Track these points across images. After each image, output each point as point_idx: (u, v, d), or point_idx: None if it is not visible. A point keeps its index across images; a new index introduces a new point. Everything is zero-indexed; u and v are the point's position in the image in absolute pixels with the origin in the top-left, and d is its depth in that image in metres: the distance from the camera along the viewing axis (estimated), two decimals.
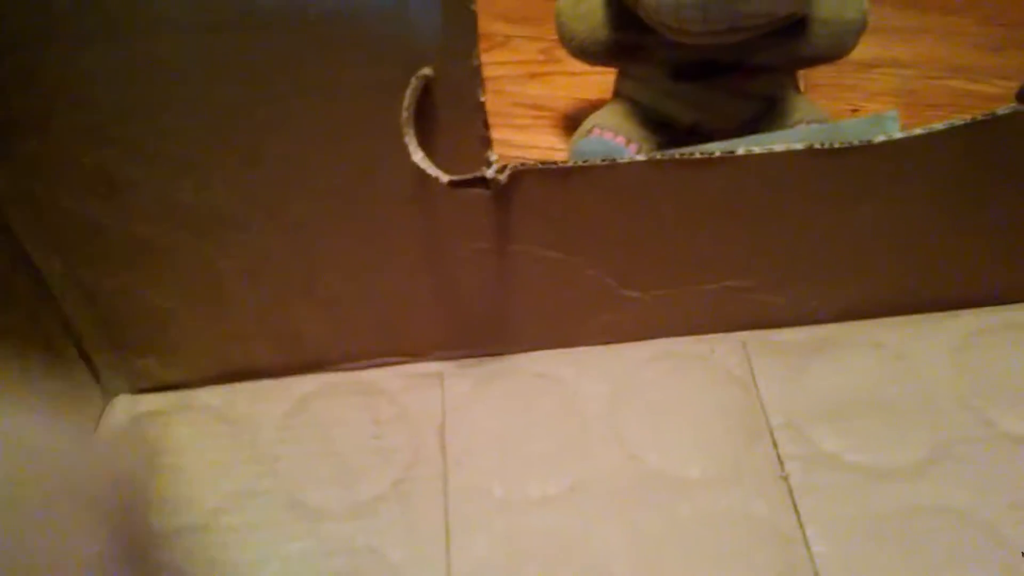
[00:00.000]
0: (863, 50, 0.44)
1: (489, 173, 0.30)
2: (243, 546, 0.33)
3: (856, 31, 0.42)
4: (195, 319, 0.36)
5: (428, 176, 0.30)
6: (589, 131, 0.45)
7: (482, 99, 0.30)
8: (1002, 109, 0.31)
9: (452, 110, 0.30)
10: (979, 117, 0.31)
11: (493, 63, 0.59)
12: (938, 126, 0.31)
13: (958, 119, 0.31)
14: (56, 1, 0.26)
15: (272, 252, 0.34)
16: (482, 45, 0.65)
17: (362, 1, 0.27)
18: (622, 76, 0.47)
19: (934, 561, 0.31)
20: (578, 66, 0.56)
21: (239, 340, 0.37)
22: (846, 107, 0.52)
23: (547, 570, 0.32)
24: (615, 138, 0.44)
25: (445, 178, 0.30)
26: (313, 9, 0.27)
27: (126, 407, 0.38)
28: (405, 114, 0.29)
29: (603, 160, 0.32)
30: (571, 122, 0.54)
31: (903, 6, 0.58)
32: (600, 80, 0.54)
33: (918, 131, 0.31)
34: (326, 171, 0.31)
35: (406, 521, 0.34)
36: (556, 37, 0.46)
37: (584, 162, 0.32)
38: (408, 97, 0.29)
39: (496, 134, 0.48)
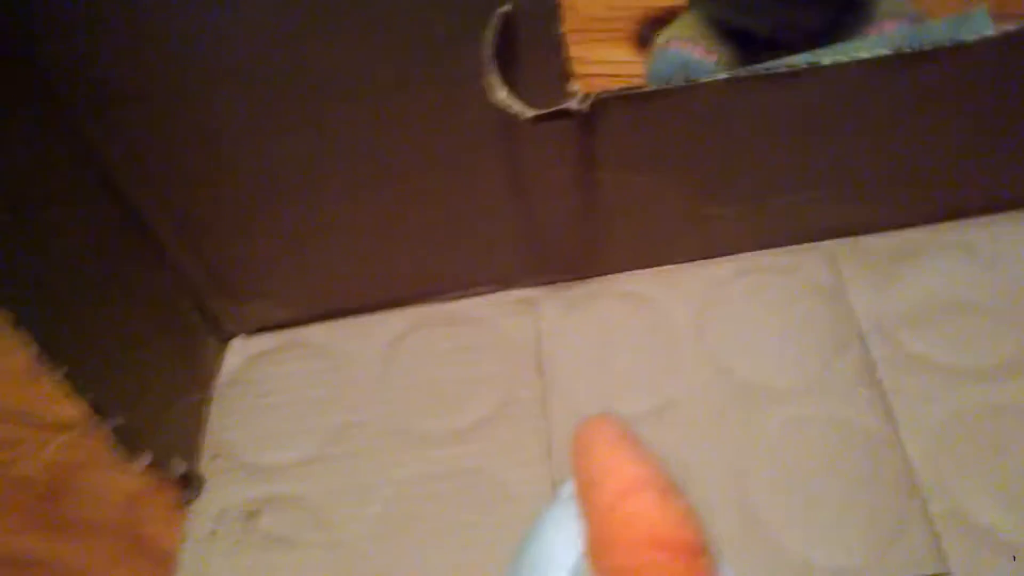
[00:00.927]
0: None
1: (572, 105, 0.31)
2: (353, 472, 0.36)
3: None
4: (297, 263, 0.38)
5: (510, 110, 0.30)
6: (666, 44, 0.44)
7: (561, 32, 0.30)
8: None
9: (532, 44, 0.30)
10: None
11: None
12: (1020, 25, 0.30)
13: None
14: None
15: (363, 193, 0.35)
16: None
17: None
18: None
19: (1021, 464, 0.32)
20: None
21: (339, 279, 0.39)
22: None
23: None
24: (693, 49, 0.43)
25: (529, 113, 0.30)
26: None
27: (241, 349, 0.41)
28: (488, 51, 0.29)
29: (683, 80, 0.32)
30: (647, 34, 0.53)
31: None
32: None
33: (1010, 27, 0.30)
34: (413, 111, 0.32)
35: (510, 442, 0.35)
36: None
37: (664, 85, 0.32)
38: (489, 34, 0.29)
39: (572, 51, 0.48)
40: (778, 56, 0.39)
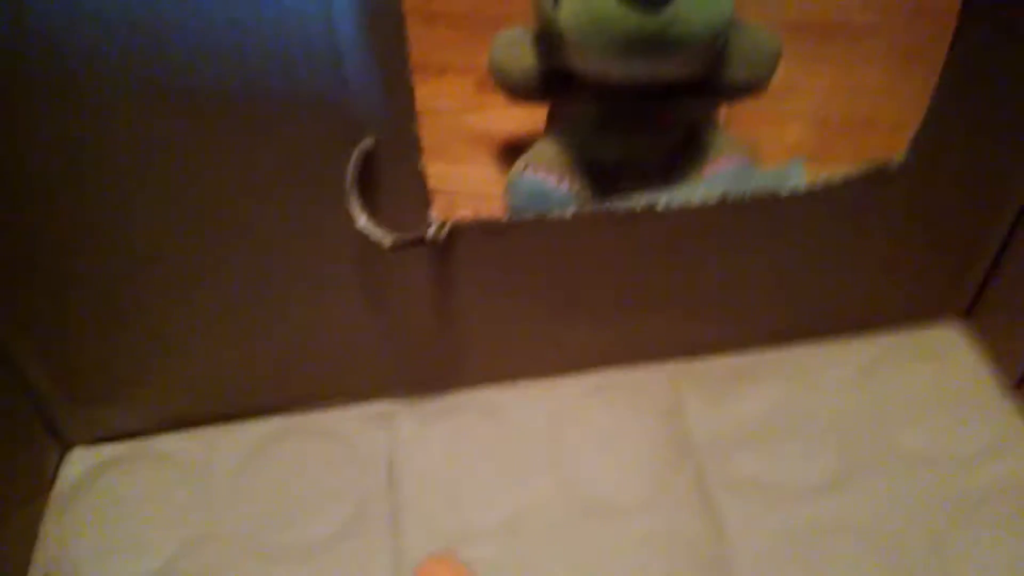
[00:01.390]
0: (780, 76, 0.47)
1: (429, 233, 0.32)
2: None
3: (773, 63, 0.45)
4: (150, 370, 0.37)
5: (370, 236, 0.32)
6: (523, 170, 0.47)
7: (420, 163, 0.32)
8: (891, 161, 0.34)
9: (393, 175, 0.32)
10: (871, 168, 0.34)
11: (429, 95, 0.61)
12: (836, 177, 0.35)
13: (853, 169, 0.35)
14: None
15: (224, 306, 0.35)
16: (418, 76, 0.67)
17: (303, 79, 0.29)
18: (552, 113, 0.49)
19: (847, 573, 0.35)
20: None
21: (191, 388, 0.39)
22: (764, 132, 0.55)
23: None
24: (547, 176, 0.46)
25: (388, 240, 0.32)
26: (259, 85, 0.29)
27: (83, 457, 0.39)
28: (349, 182, 0.31)
29: (538, 208, 0.34)
30: (506, 153, 0.56)
31: (818, 36, 0.62)
32: (534, 111, 0.56)
33: (819, 182, 0.34)
34: (275, 233, 0.33)
35: (359, 557, 0.36)
36: (486, 64, 0.48)
37: (515, 218, 0.34)
38: (351, 166, 0.31)
39: (432, 167, 0.51)
40: (627, 189, 0.43)
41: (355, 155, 0.30)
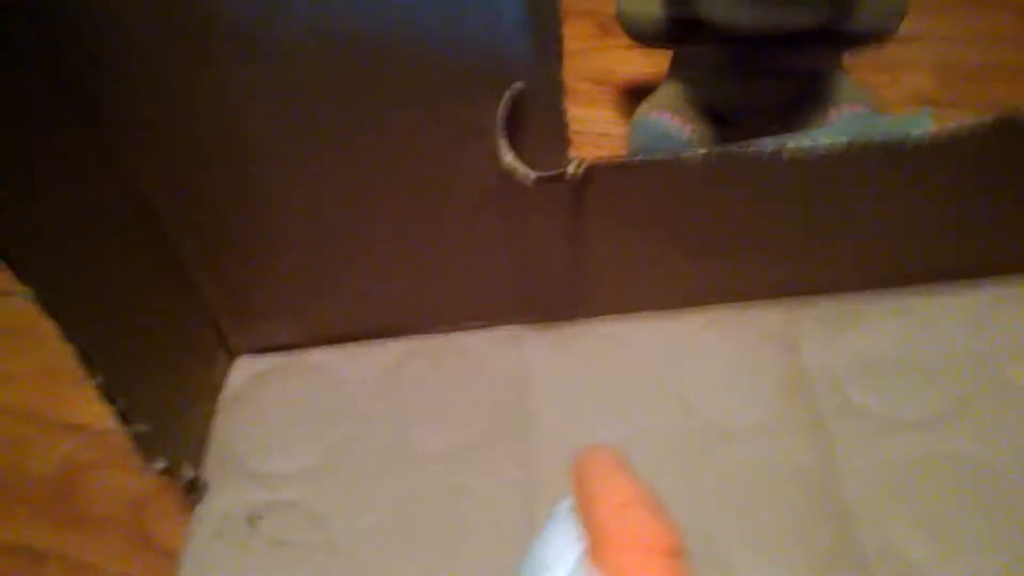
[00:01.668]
0: (905, 22, 0.47)
1: (569, 170, 0.35)
2: (351, 483, 0.39)
3: (899, 11, 0.46)
4: (306, 289, 0.42)
5: (515, 172, 0.34)
6: (647, 112, 0.49)
7: (564, 107, 0.34)
8: (1020, 111, 0.35)
9: (538, 116, 0.34)
10: (999, 115, 0.35)
11: None
12: (965, 123, 0.35)
13: (980, 118, 0.35)
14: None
15: (374, 236, 0.39)
16: None
17: (461, 24, 0.31)
18: (676, 58, 0.51)
19: (952, 499, 0.36)
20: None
21: (342, 308, 0.43)
22: (886, 79, 0.55)
23: None
24: (671, 119, 0.48)
25: (532, 176, 0.34)
26: (421, 29, 0.32)
27: (247, 366, 0.44)
28: (500, 121, 0.34)
29: (663, 151, 0.36)
30: (628, 95, 0.58)
31: None
32: (655, 54, 0.57)
33: (944, 130, 0.35)
34: (425, 169, 0.36)
35: (496, 463, 0.39)
36: (612, 13, 0.50)
37: (647, 157, 0.36)
38: (502, 107, 0.33)
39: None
40: (748, 132, 0.44)
41: (506, 97, 0.33)
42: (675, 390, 0.41)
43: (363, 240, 0.39)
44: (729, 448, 0.39)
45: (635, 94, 0.56)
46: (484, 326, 0.44)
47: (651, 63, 0.59)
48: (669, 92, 0.50)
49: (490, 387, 0.42)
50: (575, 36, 0.63)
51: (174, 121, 0.34)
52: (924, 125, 0.36)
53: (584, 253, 0.40)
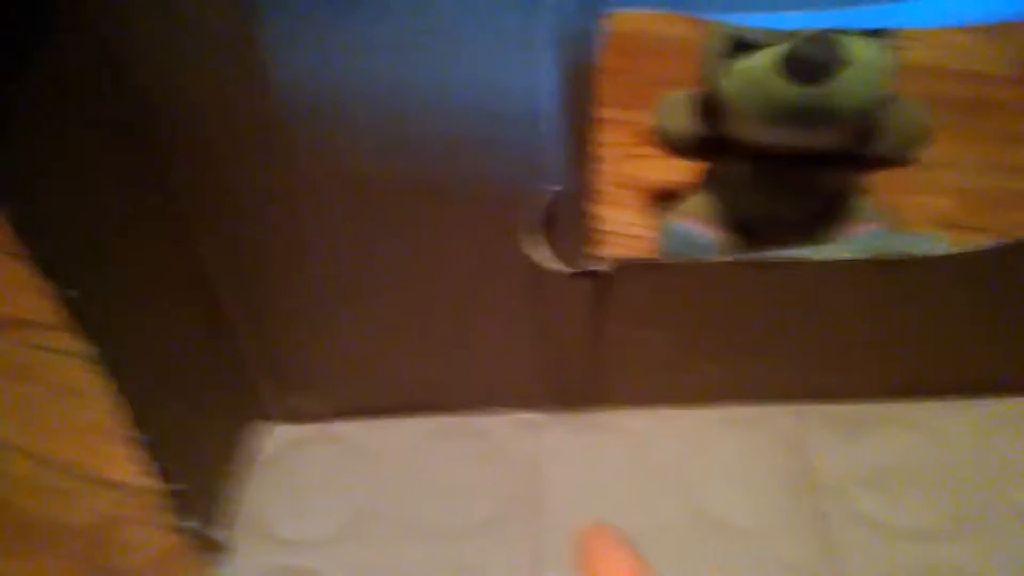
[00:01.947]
0: (931, 148, 0.50)
1: (601, 267, 0.38)
2: (368, 555, 0.41)
3: (923, 137, 0.48)
4: (342, 368, 0.44)
5: (546, 267, 0.37)
6: (676, 219, 0.51)
7: (595, 209, 0.37)
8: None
9: (571, 216, 0.37)
10: (1009, 242, 0.37)
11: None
12: (978, 246, 0.38)
13: (995, 241, 0.37)
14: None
15: (411, 322, 0.42)
16: None
17: (506, 133, 0.34)
18: (708, 170, 0.54)
19: None
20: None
21: (374, 384, 0.45)
22: (911, 200, 0.57)
23: None
24: (698, 226, 0.51)
25: (566, 271, 0.37)
26: (472, 139, 0.35)
27: (280, 435, 0.46)
28: (536, 222, 0.36)
29: (692, 258, 0.39)
30: (660, 202, 0.61)
31: (971, 110, 0.64)
32: (686, 165, 0.60)
33: (958, 249, 0.38)
34: (463, 264, 0.39)
35: (506, 545, 0.41)
36: (650, 122, 0.53)
37: (675, 259, 0.39)
38: (539, 207, 0.36)
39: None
40: (771, 244, 0.47)
41: (544, 196, 0.36)
42: (684, 485, 0.42)
43: (400, 324, 0.42)
44: (733, 545, 0.40)
45: (664, 201, 0.58)
46: (505, 410, 0.46)
47: (680, 173, 0.62)
48: (698, 201, 0.52)
49: (506, 470, 0.43)
50: (614, 143, 0.67)
51: (243, 198, 0.37)
52: (940, 245, 0.38)
53: (606, 347, 0.42)
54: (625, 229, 0.59)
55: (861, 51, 0.40)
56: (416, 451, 0.45)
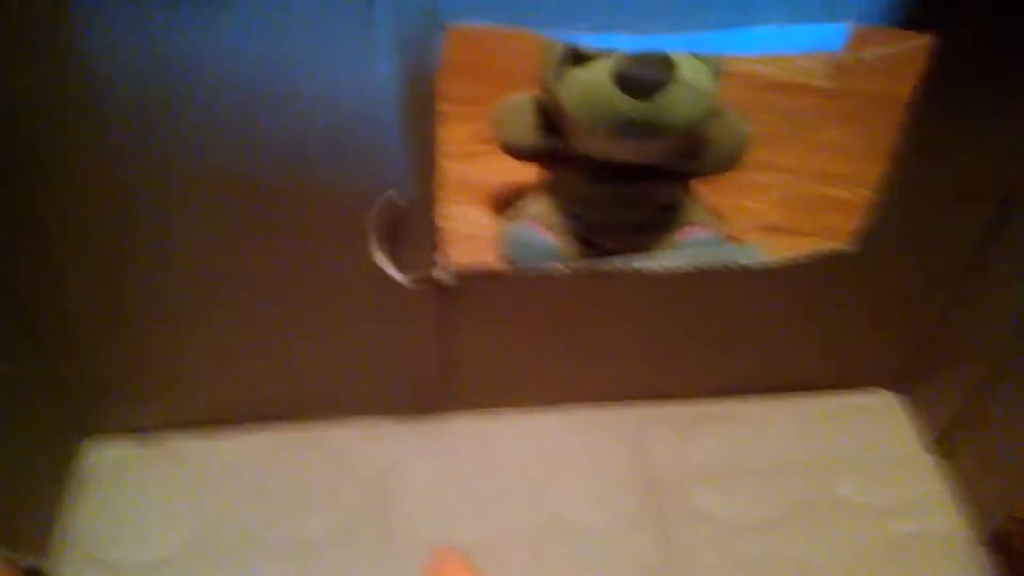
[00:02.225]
0: (752, 154, 0.53)
1: (441, 276, 0.37)
2: None
3: (744, 148, 0.51)
4: (171, 371, 0.42)
5: (387, 274, 0.36)
6: (518, 222, 0.52)
7: (437, 218, 0.36)
8: (840, 248, 0.40)
9: (412, 225, 0.36)
10: (822, 253, 0.40)
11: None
12: (787, 256, 0.40)
13: (800, 253, 0.40)
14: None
15: (249, 329, 0.40)
16: None
17: (340, 137, 0.34)
18: (547, 173, 0.55)
19: None
20: None
21: (209, 393, 0.43)
22: (734, 203, 0.61)
23: None
24: (538, 229, 0.51)
25: (402, 278, 0.36)
26: (310, 141, 0.34)
27: (104, 448, 0.43)
28: (371, 226, 0.36)
29: (531, 266, 0.39)
30: (501, 201, 0.61)
31: (791, 120, 0.68)
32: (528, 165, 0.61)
33: (775, 260, 0.40)
34: (304, 268, 0.38)
35: (353, 557, 0.40)
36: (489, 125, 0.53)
37: (516, 269, 0.39)
38: (375, 212, 0.35)
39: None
40: (609, 248, 0.48)
41: (377, 205, 0.35)
42: (533, 488, 0.43)
43: (242, 333, 0.40)
44: (580, 546, 0.41)
45: (507, 201, 0.59)
46: (351, 418, 0.45)
47: (526, 174, 0.63)
48: (539, 204, 0.53)
49: (352, 481, 0.43)
50: (455, 140, 0.67)
51: (69, 206, 0.35)
52: (754, 256, 0.40)
53: (453, 352, 0.42)
54: (466, 228, 0.59)
55: (688, 69, 0.42)
56: (260, 464, 0.43)
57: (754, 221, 0.60)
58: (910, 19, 0.33)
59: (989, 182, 0.38)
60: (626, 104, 0.42)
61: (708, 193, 0.61)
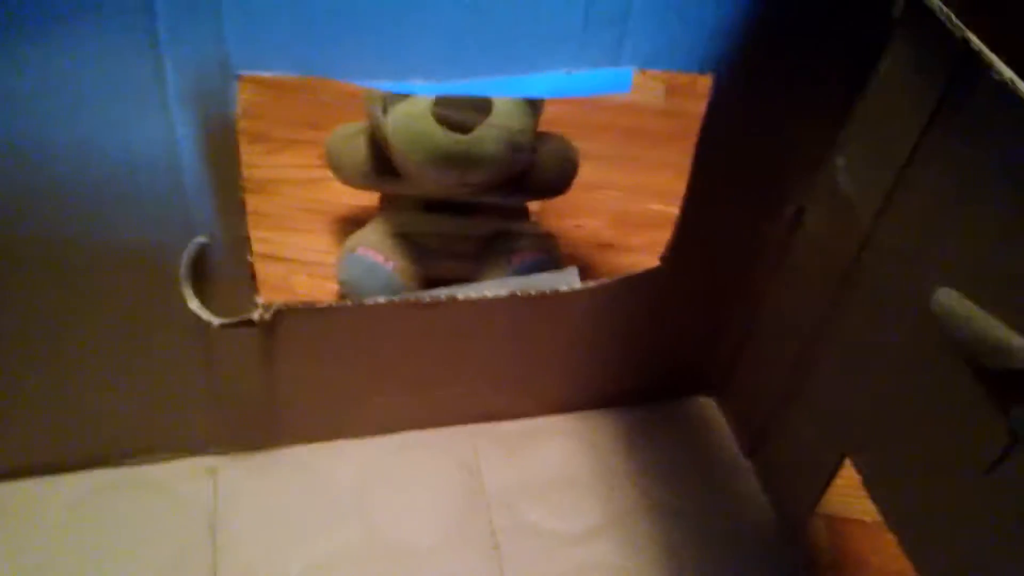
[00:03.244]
0: (589, 173, 0.55)
1: (255, 316, 0.38)
2: None
3: (572, 171, 0.53)
4: None
5: (203, 318, 0.36)
6: (353, 248, 0.53)
7: (249, 259, 0.37)
8: (647, 270, 0.43)
9: (224, 266, 0.37)
10: (631, 275, 0.42)
11: (274, 165, 0.66)
12: (604, 281, 0.42)
13: (615, 278, 0.42)
14: None
15: (60, 371, 0.39)
16: (265, 147, 0.73)
17: (151, 186, 0.34)
18: (383, 198, 0.56)
19: None
20: None
21: (18, 439, 0.42)
22: (571, 223, 0.63)
23: None
24: (375, 255, 0.52)
25: (217, 322, 0.37)
26: (106, 191, 0.33)
27: None
28: (183, 271, 0.36)
29: (349, 301, 0.40)
30: (342, 225, 0.62)
31: (624, 139, 0.71)
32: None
33: (589, 283, 0.42)
34: (120, 312, 0.37)
35: None
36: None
37: (337, 303, 0.40)
38: (185, 258, 0.35)
39: (274, 236, 0.56)
40: (444, 273, 0.49)
41: (188, 249, 0.35)
42: (363, 514, 0.44)
43: (54, 377, 0.39)
44: (412, 568, 0.42)
45: (350, 225, 0.59)
46: (177, 456, 0.44)
47: (368, 197, 0.63)
48: (376, 229, 0.54)
49: (179, 520, 0.42)
50: (296, 165, 0.67)
51: None
52: (571, 281, 0.42)
53: (278, 386, 0.43)
54: (309, 256, 0.59)
55: (501, 107, 0.44)
56: (78, 510, 0.42)
57: (589, 239, 0.62)
58: (687, 63, 0.35)
59: (775, 201, 0.41)
60: (444, 138, 0.43)
61: (544, 215, 0.63)
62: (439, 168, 0.45)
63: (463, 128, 0.43)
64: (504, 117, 0.44)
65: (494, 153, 0.45)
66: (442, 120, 0.43)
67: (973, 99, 0.30)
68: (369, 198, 0.62)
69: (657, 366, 0.49)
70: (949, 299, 0.32)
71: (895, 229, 0.35)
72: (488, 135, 0.44)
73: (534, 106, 0.47)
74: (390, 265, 0.52)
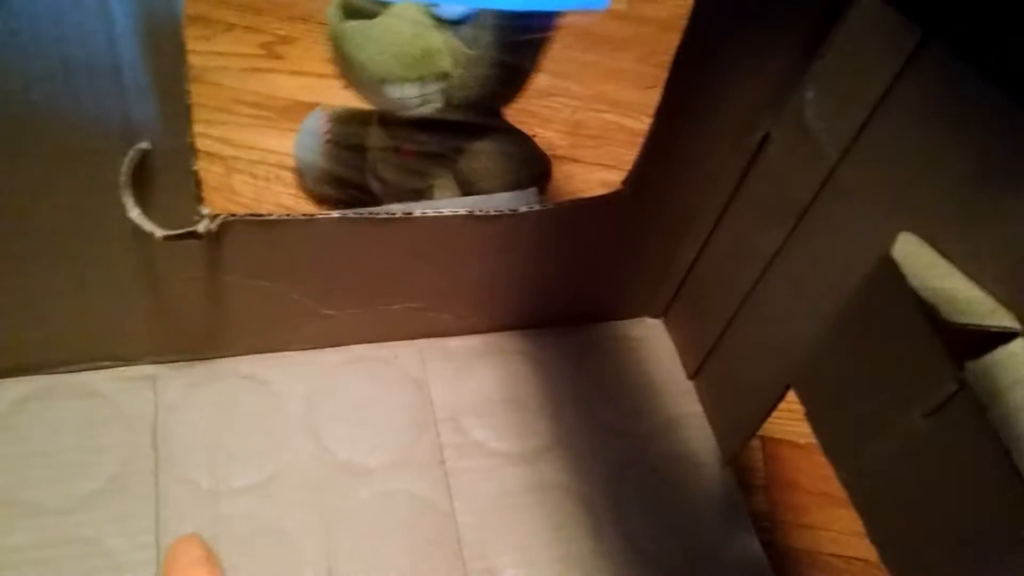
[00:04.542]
0: (544, 79, 0.53)
1: (200, 228, 0.36)
2: None
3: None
4: None
5: (145, 229, 0.35)
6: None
7: (194, 168, 0.35)
8: (607, 193, 0.42)
9: (168, 174, 0.35)
10: (590, 197, 0.41)
11: (214, 52, 0.62)
12: (563, 202, 0.42)
13: (570, 200, 0.42)
14: None
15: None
16: (204, 32, 0.69)
17: (84, 88, 0.31)
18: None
19: (544, 525, 0.42)
20: (300, 65, 0.60)
21: None
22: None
23: (246, 550, 0.39)
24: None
25: (160, 233, 0.35)
26: (41, 91, 0.31)
27: None
28: (123, 178, 0.33)
29: (302, 215, 0.38)
30: (290, 122, 0.59)
31: (581, 44, 0.68)
32: (320, 83, 0.59)
33: (546, 203, 0.41)
34: (56, 220, 0.35)
35: (122, 512, 0.39)
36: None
37: (285, 216, 0.38)
38: (126, 165, 0.33)
39: (214, 131, 0.53)
40: (392, 187, 0.48)
41: (130, 155, 0.33)
42: (311, 429, 0.43)
43: None
44: (361, 485, 0.42)
45: (297, 121, 0.57)
46: (116, 365, 0.43)
47: (312, 91, 0.61)
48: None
49: (120, 430, 0.41)
50: (238, 55, 0.63)
51: None
52: (530, 201, 0.41)
53: (222, 298, 0.41)
54: (251, 155, 0.56)
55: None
56: (14, 417, 0.41)
57: (546, 150, 0.61)
58: None
59: (741, 131, 0.41)
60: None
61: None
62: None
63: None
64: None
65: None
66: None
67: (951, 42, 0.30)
68: (318, 94, 0.60)
69: (608, 287, 0.49)
70: (910, 245, 0.32)
71: (860, 169, 0.35)
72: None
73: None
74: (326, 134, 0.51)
